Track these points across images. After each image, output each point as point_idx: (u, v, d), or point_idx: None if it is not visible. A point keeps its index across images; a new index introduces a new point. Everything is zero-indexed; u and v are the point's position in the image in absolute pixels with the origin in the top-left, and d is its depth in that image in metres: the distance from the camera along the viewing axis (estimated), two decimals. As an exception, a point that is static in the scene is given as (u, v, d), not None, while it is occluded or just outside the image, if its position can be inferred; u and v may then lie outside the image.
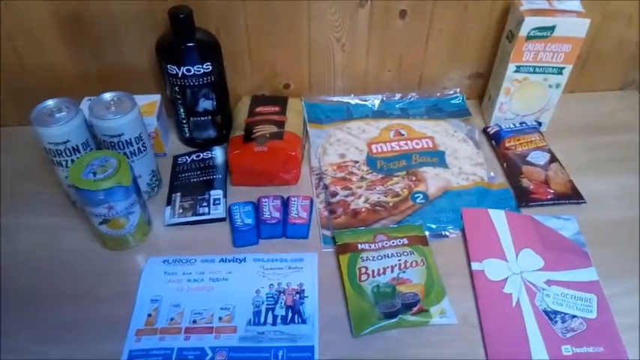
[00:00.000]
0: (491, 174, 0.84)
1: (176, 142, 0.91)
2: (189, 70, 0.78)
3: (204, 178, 0.83)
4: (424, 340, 0.63)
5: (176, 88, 0.81)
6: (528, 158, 0.84)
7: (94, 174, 0.65)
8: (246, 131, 0.83)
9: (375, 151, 0.87)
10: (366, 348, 0.62)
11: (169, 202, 0.80)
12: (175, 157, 0.88)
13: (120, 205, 0.67)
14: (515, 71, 0.85)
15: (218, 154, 0.87)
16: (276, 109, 0.88)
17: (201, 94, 0.82)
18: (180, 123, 0.87)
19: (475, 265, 0.70)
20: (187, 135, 0.88)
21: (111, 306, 0.66)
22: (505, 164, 0.85)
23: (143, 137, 0.74)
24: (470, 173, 0.84)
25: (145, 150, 0.75)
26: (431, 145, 0.88)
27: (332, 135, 0.91)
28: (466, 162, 0.86)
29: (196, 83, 0.80)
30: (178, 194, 0.80)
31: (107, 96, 0.72)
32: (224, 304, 0.66)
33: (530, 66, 0.84)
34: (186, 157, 0.87)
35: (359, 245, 0.72)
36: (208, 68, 0.79)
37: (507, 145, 0.87)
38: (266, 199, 0.78)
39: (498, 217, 0.76)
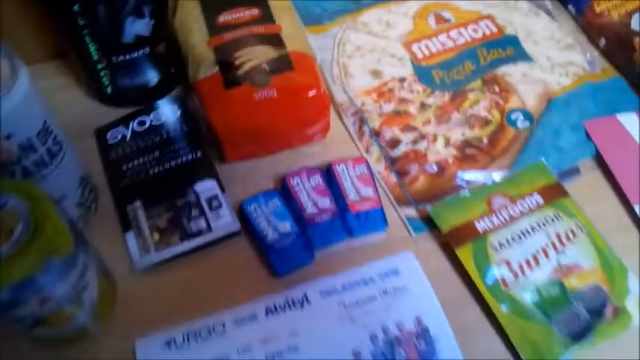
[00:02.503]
0: (588, 56, 0.60)
1: (85, 104, 0.54)
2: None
3: (171, 162, 0.49)
4: (630, 354, 0.43)
5: (75, 2, 0.42)
6: (634, 26, 0.61)
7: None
8: (221, 65, 0.48)
9: (420, 55, 0.58)
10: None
11: (126, 221, 0.46)
12: (100, 134, 0.51)
13: (60, 288, 0.34)
14: None
15: (170, 111, 0.52)
16: (254, 11, 0.53)
17: (128, 9, 0.44)
18: (92, 69, 0.49)
19: (642, 210, 0.49)
20: (108, 89, 0.51)
21: None
22: (603, 39, 0.61)
23: (50, 126, 0.38)
24: (564, 63, 0.59)
25: (59, 149, 0.39)
26: (495, 31, 0.61)
27: (344, 40, 0.59)
28: (551, 46, 0.60)
29: (116, -10, 0.42)
30: (137, 203, 0.47)
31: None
32: (310, 395, 0.39)
33: None
34: (121, 130, 0.51)
35: (477, 224, 0.46)
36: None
37: (597, 9, 0.62)
38: (297, 179, 0.48)
39: (633, 124, 0.54)
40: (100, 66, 0.49)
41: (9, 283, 0.30)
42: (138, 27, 0.46)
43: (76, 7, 0.43)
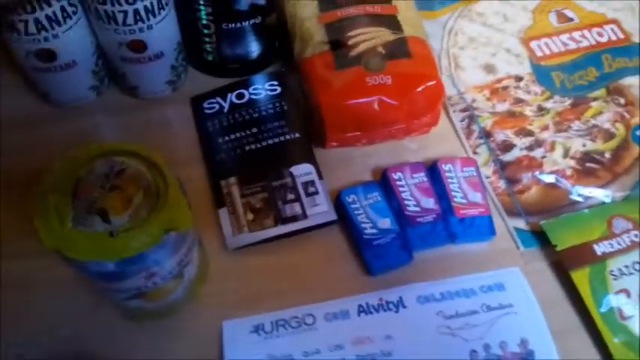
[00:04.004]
0: None
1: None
2: None
3: (269, 141, 0.48)
4: None
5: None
6: None
7: (103, 214, 0.30)
8: (332, 44, 0.47)
9: (540, 54, 0.55)
10: None
11: (219, 197, 0.46)
12: (196, 102, 0.51)
13: (168, 264, 0.34)
14: None
15: (269, 87, 0.51)
16: (369, -10, 0.51)
17: (248, -23, 0.44)
18: (197, 34, 0.49)
19: None
20: (209, 56, 0.51)
21: None
22: None
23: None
24: (699, 80, 0.55)
25: (167, 6, 0.44)
26: (621, 37, 0.57)
27: (456, 29, 0.57)
28: (683, 60, 0.57)
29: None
30: (232, 179, 0.46)
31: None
32: (402, 406, 0.38)
33: None
34: (218, 101, 0.51)
35: (595, 246, 0.44)
36: None
37: None
38: (399, 174, 0.47)
39: None
40: (206, 31, 0.48)
41: (121, 256, 0.30)
42: (255, -6, 0.45)
43: (196, -33, 0.42)
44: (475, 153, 0.50)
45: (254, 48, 0.51)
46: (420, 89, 0.46)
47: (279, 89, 0.51)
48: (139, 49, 0.44)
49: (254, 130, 0.48)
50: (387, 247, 0.43)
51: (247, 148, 0.48)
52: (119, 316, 0.41)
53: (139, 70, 0.47)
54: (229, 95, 0.50)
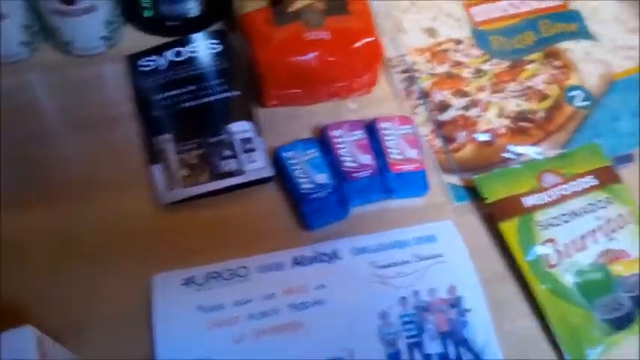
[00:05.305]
0: (657, 43, 0.60)
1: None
2: None
3: (206, 98, 0.49)
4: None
5: None
6: None
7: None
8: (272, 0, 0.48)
9: (479, 19, 0.57)
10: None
11: (152, 153, 0.46)
12: (132, 60, 0.51)
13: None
14: None
15: (209, 46, 0.52)
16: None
17: None
18: (134, -9, 0.49)
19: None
20: (147, 12, 0.51)
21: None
22: (675, 26, 0.61)
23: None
24: (629, 47, 0.58)
25: None
26: (560, 3, 0.60)
27: (398, -7, 0.59)
28: (616, 27, 0.59)
29: None
30: (168, 136, 0.47)
31: None
32: (333, 352, 0.40)
33: None
34: (154, 58, 0.51)
35: (524, 199, 0.46)
36: None
37: (673, -7, 0.62)
38: (338, 131, 0.48)
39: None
40: (142, -13, 0.49)
41: None
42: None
43: None
44: (414, 113, 0.52)
45: (193, 5, 0.51)
46: (357, 45, 0.47)
47: (220, 47, 0.51)
48: (70, 1, 0.44)
49: (192, 87, 0.49)
50: (324, 201, 0.45)
51: (185, 105, 0.48)
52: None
53: (71, 23, 0.47)
54: (166, 53, 0.51)
